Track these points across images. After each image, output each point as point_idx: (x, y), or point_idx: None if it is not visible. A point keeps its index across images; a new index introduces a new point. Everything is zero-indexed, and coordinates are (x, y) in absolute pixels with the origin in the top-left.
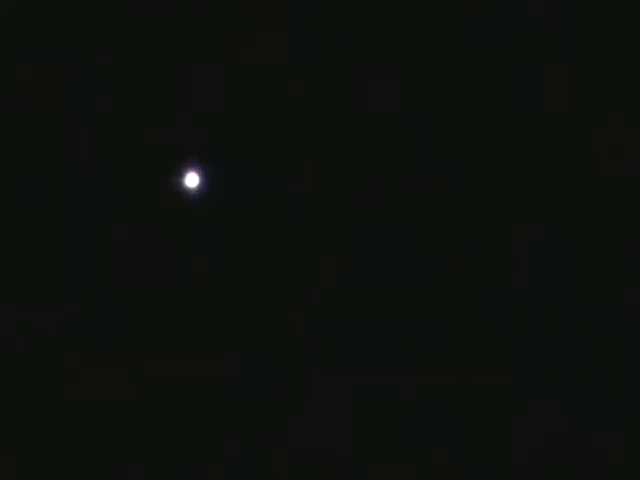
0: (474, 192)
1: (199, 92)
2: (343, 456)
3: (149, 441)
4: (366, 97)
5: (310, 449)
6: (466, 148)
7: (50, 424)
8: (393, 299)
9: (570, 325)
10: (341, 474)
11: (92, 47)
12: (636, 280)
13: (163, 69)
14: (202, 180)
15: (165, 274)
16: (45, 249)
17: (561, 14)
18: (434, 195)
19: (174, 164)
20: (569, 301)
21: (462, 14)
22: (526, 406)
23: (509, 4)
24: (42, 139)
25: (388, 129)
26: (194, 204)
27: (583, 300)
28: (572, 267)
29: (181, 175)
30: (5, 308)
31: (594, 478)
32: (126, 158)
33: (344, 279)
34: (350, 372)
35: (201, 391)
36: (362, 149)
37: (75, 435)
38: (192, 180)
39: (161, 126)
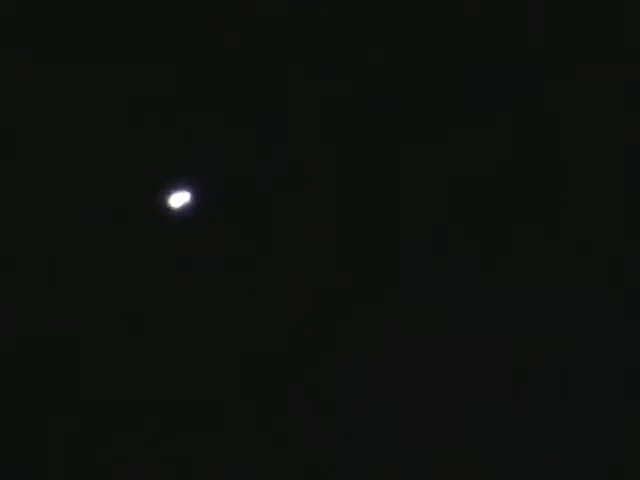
0: (473, 192)
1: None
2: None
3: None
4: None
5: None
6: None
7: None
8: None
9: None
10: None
11: (92, 51)
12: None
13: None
14: (195, 193)
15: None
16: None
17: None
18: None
19: (167, 174)
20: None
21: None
22: (527, 408)
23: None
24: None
25: (391, 131)
26: (188, 215)
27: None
28: (571, 267)
29: (173, 188)
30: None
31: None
32: (123, 163)
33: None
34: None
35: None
36: (365, 154)
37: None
38: (182, 195)
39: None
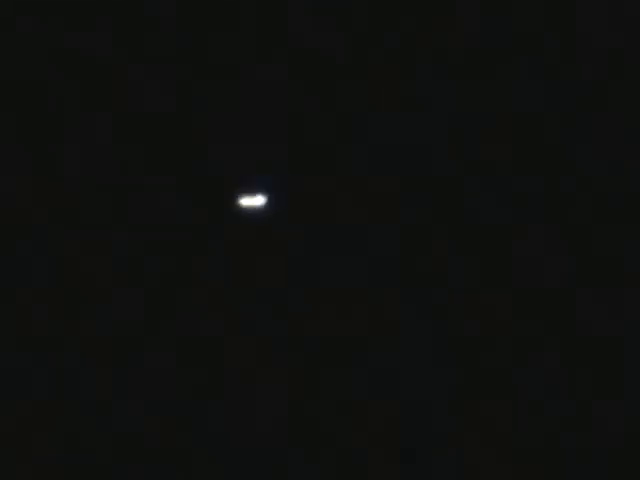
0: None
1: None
2: None
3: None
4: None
5: None
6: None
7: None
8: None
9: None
10: None
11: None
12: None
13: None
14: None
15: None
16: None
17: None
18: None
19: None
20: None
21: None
22: (526, 407)
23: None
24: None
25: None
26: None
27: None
28: (572, 267)
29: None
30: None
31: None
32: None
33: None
34: None
35: None
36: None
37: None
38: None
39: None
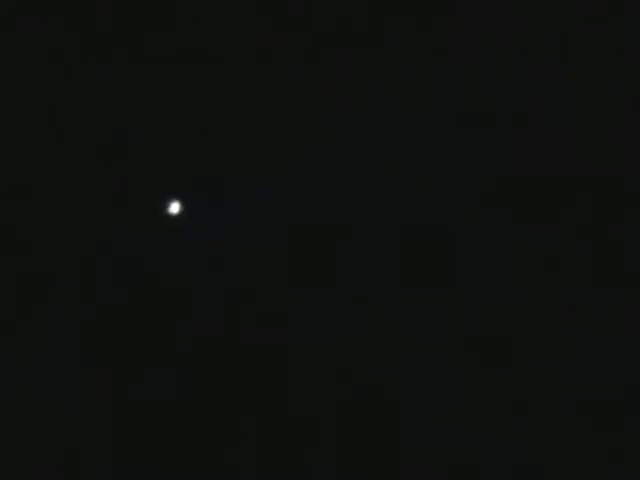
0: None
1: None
2: None
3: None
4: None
5: None
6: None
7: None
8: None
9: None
10: None
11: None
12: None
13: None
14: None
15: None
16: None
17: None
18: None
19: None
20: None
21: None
22: (525, 405)
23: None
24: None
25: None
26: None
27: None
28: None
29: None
30: None
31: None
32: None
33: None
34: None
35: None
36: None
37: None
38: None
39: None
